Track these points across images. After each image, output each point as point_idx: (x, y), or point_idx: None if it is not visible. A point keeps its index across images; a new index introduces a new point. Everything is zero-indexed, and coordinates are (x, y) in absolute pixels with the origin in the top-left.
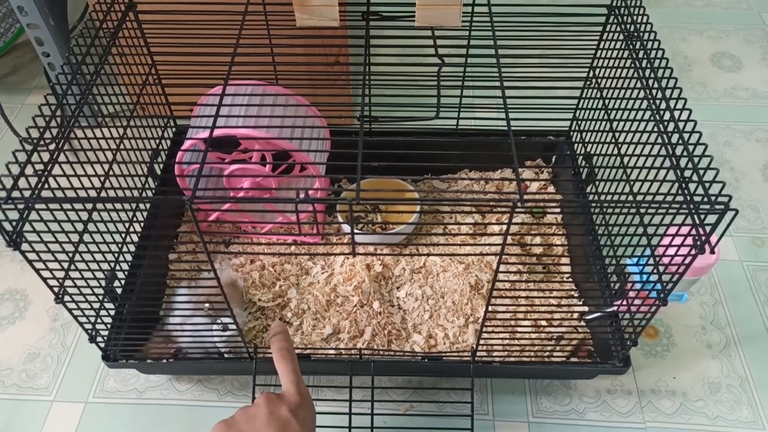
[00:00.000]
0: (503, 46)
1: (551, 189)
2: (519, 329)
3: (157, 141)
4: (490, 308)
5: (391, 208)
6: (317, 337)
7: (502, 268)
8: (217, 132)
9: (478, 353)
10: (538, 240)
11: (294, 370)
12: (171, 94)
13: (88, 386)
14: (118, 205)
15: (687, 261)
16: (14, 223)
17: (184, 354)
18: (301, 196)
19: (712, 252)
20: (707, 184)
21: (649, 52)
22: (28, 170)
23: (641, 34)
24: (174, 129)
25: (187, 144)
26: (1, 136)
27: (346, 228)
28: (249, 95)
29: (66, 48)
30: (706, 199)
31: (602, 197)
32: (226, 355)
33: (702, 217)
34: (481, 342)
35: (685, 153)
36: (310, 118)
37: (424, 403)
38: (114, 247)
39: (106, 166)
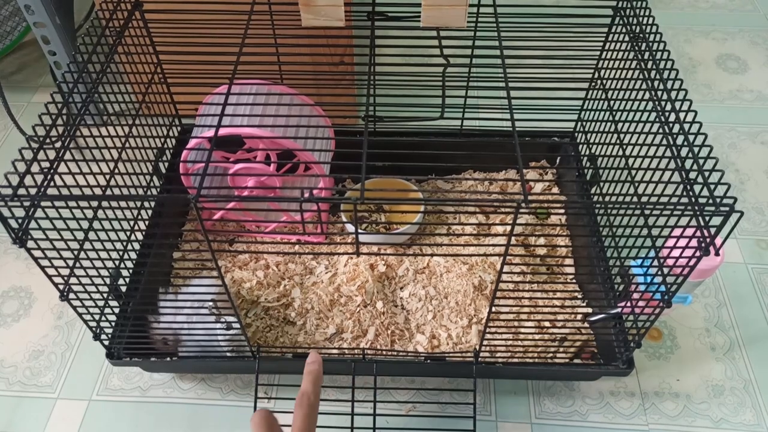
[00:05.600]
0: (508, 47)
1: (555, 190)
2: (522, 330)
3: (162, 140)
4: (493, 309)
5: (395, 208)
6: (320, 337)
7: (505, 269)
8: (222, 131)
9: (481, 354)
10: (542, 241)
11: (300, 427)
12: (176, 93)
13: (91, 384)
14: (123, 203)
15: (691, 263)
16: (20, 221)
17: (178, 344)
18: (306, 195)
19: (717, 254)
20: (712, 186)
21: (654, 53)
22: (34, 168)
23: (647, 35)
24: (179, 128)
25: (192, 143)
26: (7, 134)
27: (350, 228)
28: (254, 95)
29: (72, 47)
30: (711, 201)
31: (606, 198)
32: (229, 354)
33: (707, 218)
34: (485, 343)
35: (690, 154)
36: (315, 117)
37: (426, 403)
38: (119, 245)
39: (112, 165)
